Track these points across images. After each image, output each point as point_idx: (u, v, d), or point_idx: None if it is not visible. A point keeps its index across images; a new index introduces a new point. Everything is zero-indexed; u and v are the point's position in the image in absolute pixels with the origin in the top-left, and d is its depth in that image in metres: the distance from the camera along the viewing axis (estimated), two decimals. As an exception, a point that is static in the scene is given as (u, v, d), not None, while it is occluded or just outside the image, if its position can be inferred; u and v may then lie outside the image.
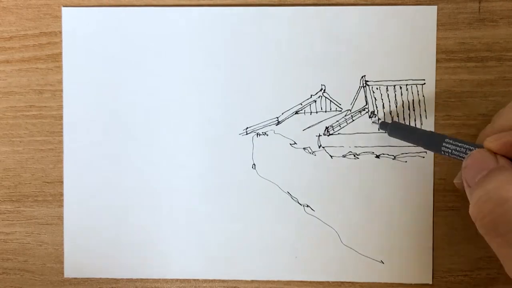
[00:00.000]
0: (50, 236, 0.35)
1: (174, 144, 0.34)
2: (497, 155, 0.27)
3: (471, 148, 0.28)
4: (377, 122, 0.33)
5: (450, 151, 0.28)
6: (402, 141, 0.33)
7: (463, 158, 0.28)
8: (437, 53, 0.33)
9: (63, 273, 0.35)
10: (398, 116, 0.34)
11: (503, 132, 0.27)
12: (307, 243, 0.34)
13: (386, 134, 0.33)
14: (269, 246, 0.34)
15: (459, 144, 0.28)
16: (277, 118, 0.34)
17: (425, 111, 0.34)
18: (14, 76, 0.35)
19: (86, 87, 0.34)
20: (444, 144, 0.29)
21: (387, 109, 0.34)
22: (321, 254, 0.34)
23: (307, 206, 0.34)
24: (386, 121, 0.33)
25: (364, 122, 0.34)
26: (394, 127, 0.32)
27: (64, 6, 0.34)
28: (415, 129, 0.32)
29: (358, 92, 0.34)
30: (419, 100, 0.34)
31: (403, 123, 0.33)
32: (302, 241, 0.34)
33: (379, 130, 0.33)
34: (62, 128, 0.35)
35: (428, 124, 0.33)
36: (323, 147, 0.34)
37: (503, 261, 0.25)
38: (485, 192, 0.26)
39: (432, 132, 0.30)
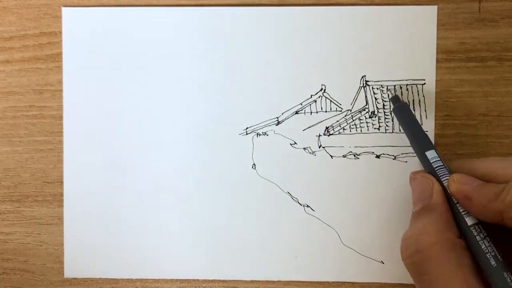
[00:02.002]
0: (50, 236, 0.35)
1: (174, 144, 0.34)
2: (435, 190, 0.27)
3: (444, 172, 0.28)
4: (392, 93, 0.33)
5: (423, 164, 0.29)
6: (403, 141, 0.33)
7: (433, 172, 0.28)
8: (437, 53, 0.33)
9: (63, 273, 0.35)
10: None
11: (471, 180, 0.26)
12: (307, 243, 0.34)
13: (386, 134, 0.33)
14: (269, 246, 0.34)
15: (431, 166, 0.29)
16: (277, 118, 0.34)
17: (425, 111, 0.33)
18: (14, 76, 0.35)
19: (86, 87, 0.34)
20: (425, 153, 0.29)
21: (387, 109, 0.34)
22: (321, 254, 0.34)
23: (307, 206, 0.34)
24: (399, 99, 0.32)
25: (364, 122, 0.34)
26: (399, 109, 0.32)
27: (64, 6, 0.34)
28: (414, 123, 0.31)
29: (358, 92, 0.34)
30: (419, 100, 0.34)
31: (412, 112, 0.32)
32: (302, 241, 0.34)
33: (389, 99, 0.33)
34: (62, 128, 0.35)
35: (428, 124, 0.33)
36: (323, 147, 0.34)
37: None
38: (410, 233, 0.27)
39: (425, 136, 0.30)
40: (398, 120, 0.32)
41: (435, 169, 0.28)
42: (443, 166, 0.28)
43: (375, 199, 0.34)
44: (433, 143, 0.33)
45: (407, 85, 0.34)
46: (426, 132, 0.31)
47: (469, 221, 0.26)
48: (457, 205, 0.27)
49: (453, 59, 0.33)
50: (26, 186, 0.35)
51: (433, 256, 0.25)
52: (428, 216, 0.27)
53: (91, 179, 0.35)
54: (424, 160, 0.29)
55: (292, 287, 0.34)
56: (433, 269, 0.25)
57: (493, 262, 0.25)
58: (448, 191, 0.27)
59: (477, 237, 0.26)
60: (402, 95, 0.34)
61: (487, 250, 0.25)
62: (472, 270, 0.25)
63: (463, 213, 0.27)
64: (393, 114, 0.34)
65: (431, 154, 0.29)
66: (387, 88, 0.33)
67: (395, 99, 0.32)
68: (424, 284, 0.26)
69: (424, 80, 0.33)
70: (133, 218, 0.35)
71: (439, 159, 0.29)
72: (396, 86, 0.34)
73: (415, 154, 0.33)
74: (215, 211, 0.34)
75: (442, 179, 0.28)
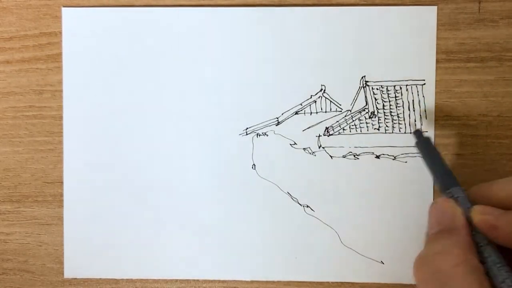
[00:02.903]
0: (50, 236, 0.35)
1: (174, 144, 0.34)
2: (457, 213, 0.27)
3: (467, 206, 0.27)
4: (415, 127, 0.33)
5: (452, 196, 0.28)
6: (403, 141, 0.33)
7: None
8: (437, 53, 0.33)
9: (63, 273, 0.35)
10: (398, 117, 0.34)
11: (494, 210, 0.26)
12: (307, 243, 0.34)
13: (386, 135, 0.33)
14: (269, 246, 0.34)
15: (460, 197, 0.28)
16: (277, 118, 0.34)
17: (425, 111, 0.34)
18: (14, 76, 0.35)
19: (86, 87, 0.34)
20: (450, 190, 0.28)
21: (387, 109, 0.34)
22: (321, 254, 0.34)
23: (307, 206, 0.34)
24: (422, 132, 0.32)
25: (364, 123, 0.34)
26: (422, 143, 0.31)
27: (64, 6, 0.34)
28: (437, 159, 0.30)
29: (358, 92, 0.34)
30: (419, 100, 0.34)
31: (435, 147, 0.31)
32: (302, 241, 0.34)
33: (412, 133, 0.33)
34: (62, 128, 0.35)
35: (428, 124, 0.33)
36: (323, 148, 0.34)
37: None
38: (427, 254, 0.26)
39: (448, 172, 0.29)
40: (421, 154, 0.31)
41: (457, 199, 0.28)
42: (465, 199, 0.28)
43: (375, 199, 0.34)
44: (434, 143, 0.33)
45: (407, 85, 0.34)
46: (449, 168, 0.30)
47: (489, 246, 0.26)
48: (477, 234, 0.26)
49: (453, 60, 0.33)
50: (26, 186, 0.35)
51: (455, 279, 0.24)
52: (449, 238, 0.26)
53: (91, 179, 0.35)
54: (446, 195, 0.29)
55: (292, 287, 0.34)
56: None
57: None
58: (472, 222, 0.27)
59: (498, 264, 0.25)
60: (402, 95, 0.34)
61: (507, 276, 0.25)
62: None
63: (482, 242, 0.26)
64: (394, 113, 0.34)
65: (455, 192, 0.28)
66: (410, 125, 0.33)
67: (418, 133, 0.32)
68: None
69: (424, 80, 0.33)
70: (133, 218, 0.35)
71: (462, 194, 0.28)
72: (396, 86, 0.34)
73: (415, 155, 0.34)
74: (215, 211, 0.34)
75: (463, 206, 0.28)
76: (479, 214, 0.26)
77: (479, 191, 0.28)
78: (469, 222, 0.27)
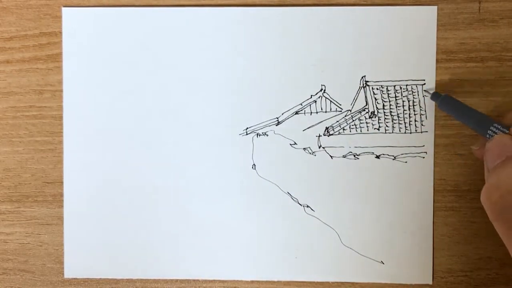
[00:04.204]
0: (50, 236, 0.35)
1: (174, 144, 0.34)
2: None
3: None
4: (429, 92, 0.33)
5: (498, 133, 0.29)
6: (403, 141, 0.33)
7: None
8: (437, 53, 0.33)
9: (63, 273, 0.35)
10: (398, 117, 0.34)
11: None
12: (307, 243, 0.34)
13: (386, 135, 0.33)
14: (269, 246, 0.34)
15: (505, 130, 0.29)
16: (277, 118, 0.34)
17: (425, 111, 0.34)
18: (14, 76, 0.35)
19: (86, 87, 0.34)
20: (491, 128, 0.29)
21: (387, 109, 0.34)
22: (321, 254, 0.34)
23: (307, 206, 0.34)
24: (439, 94, 0.32)
25: (364, 123, 0.34)
26: (445, 101, 0.32)
27: (64, 6, 0.34)
28: (466, 108, 0.31)
29: (358, 92, 0.34)
30: (419, 100, 0.34)
31: (455, 98, 0.32)
32: (302, 241, 0.34)
33: (431, 99, 0.33)
34: (62, 128, 0.35)
35: (428, 124, 0.33)
36: (323, 148, 0.34)
37: (508, 244, 0.26)
38: (497, 179, 0.27)
39: (481, 114, 0.30)
40: (447, 111, 0.32)
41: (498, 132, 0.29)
42: (505, 127, 0.29)
43: (375, 199, 0.34)
44: (433, 143, 0.33)
45: (407, 85, 0.34)
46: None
47: None
48: None
49: (453, 59, 0.33)
50: (26, 186, 0.35)
51: None
52: None
53: (91, 179, 0.35)
54: (491, 134, 0.30)
55: (292, 287, 0.34)
56: None
57: None
58: None
59: None
60: (402, 95, 0.34)
61: None
62: None
63: None
64: (394, 112, 0.34)
65: (497, 126, 0.29)
66: (423, 91, 0.33)
67: (435, 96, 0.32)
68: None
69: (424, 80, 0.33)
70: (133, 218, 0.35)
71: (504, 127, 0.29)
72: (396, 86, 0.34)
73: (414, 155, 0.34)
74: (215, 211, 0.34)
75: None
76: None
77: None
78: None
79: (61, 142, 0.35)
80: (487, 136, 0.30)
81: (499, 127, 0.29)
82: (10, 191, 0.35)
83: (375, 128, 0.34)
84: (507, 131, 0.29)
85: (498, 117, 0.33)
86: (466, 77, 0.33)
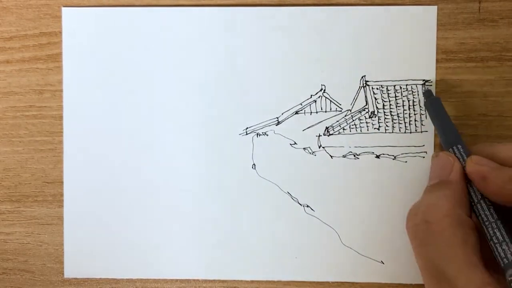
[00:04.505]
0: (50, 236, 0.35)
1: (174, 144, 0.34)
2: (455, 168, 0.28)
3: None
4: (424, 89, 0.33)
5: (456, 155, 0.29)
6: (403, 141, 0.33)
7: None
8: (437, 53, 0.33)
9: (63, 273, 0.35)
10: (398, 116, 0.34)
11: (489, 162, 0.27)
12: (307, 243, 0.34)
13: (386, 134, 0.33)
14: (269, 246, 0.34)
15: (463, 155, 0.29)
16: (277, 118, 0.34)
17: (425, 111, 0.33)
18: (14, 76, 0.35)
19: (86, 87, 0.34)
20: (453, 147, 0.29)
21: (387, 109, 0.34)
22: (321, 254, 0.34)
23: (307, 206, 0.34)
24: (432, 94, 0.33)
25: (364, 122, 0.34)
26: (432, 103, 0.32)
27: (64, 6, 0.34)
28: (446, 119, 0.31)
29: (358, 92, 0.34)
30: (419, 100, 0.34)
31: (443, 105, 0.32)
32: (302, 241, 0.34)
33: (423, 94, 0.33)
34: (62, 128, 0.35)
35: (428, 124, 0.33)
36: (323, 147, 0.34)
37: (419, 267, 0.27)
38: (420, 204, 0.28)
39: (455, 131, 0.30)
40: (429, 112, 0.32)
41: (459, 153, 0.29)
42: (466, 152, 0.29)
43: (375, 199, 0.34)
44: (433, 143, 0.33)
45: (407, 85, 0.34)
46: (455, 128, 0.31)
47: (482, 202, 0.27)
48: (473, 186, 0.27)
49: (453, 59, 0.33)
50: (26, 186, 0.35)
51: (440, 229, 0.26)
52: (442, 190, 0.27)
53: (91, 179, 0.35)
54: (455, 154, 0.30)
55: (292, 287, 0.34)
56: (438, 241, 0.25)
57: (500, 238, 0.25)
58: (466, 171, 0.28)
59: (489, 217, 0.26)
60: (402, 95, 0.34)
61: (496, 226, 0.25)
62: (476, 251, 0.25)
63: (477, 194, 0.27)
64: (394, 112, 0.34)
65: (457, 149, 0.29)
66: (422, 90, 0.33)
67: (428, 94, 0.32)
68: (425, 254, 0.26)
69: (424, 80, 0.33)
70: (133, 218, 0.35)
71: (465, 151, 0.29)
72: (396, 86, 0.34)
73: (414, 155, 0.34)
74: (215, 211, 0.34)
75: (462, 162, 0.29)
76: (473, 163, 0.27)
77: (482, 149, 0.29)
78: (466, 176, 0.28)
79: (61, 142, 0.35)
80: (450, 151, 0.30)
81: (461, 149, 0.29)
82: (10, 191, 0.35)
83: (375, 128, 0.34)
84: (465, 157, 0.29)
85: (498, 117, 0.33)
86: (466, 77, 0.33)
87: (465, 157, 0.29)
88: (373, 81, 0.34)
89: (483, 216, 0.26)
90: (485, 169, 0.26)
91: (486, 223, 0.26)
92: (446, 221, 0.26)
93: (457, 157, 0.29)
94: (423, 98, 0.33)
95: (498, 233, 0.25)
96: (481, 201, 0.27)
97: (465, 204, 0.27)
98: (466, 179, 0.28)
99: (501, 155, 0.27)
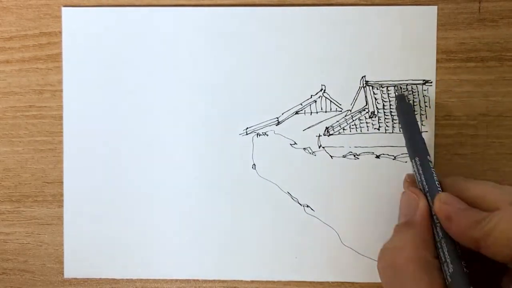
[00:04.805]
0: (50, 236, 0.35)
1: (174, 144, 0.34)
2: (420, 207, 0.27)
3: (424, 184, 0.28)
4: (399, 91, 0.33)
5: (414, 170, 0.29)
6: (402, 141, 0.33)
7: (422, 182, 0.29)
8: (437, 53, 0.33)
9: (63, 273, 0.35)
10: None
11: (457, 202, 0.26)
12: (307, 243, 0.34)
13: (386, 134, 0.33)
14: (269, 246, 0.34)
15: (420, 174, 0.29)
16: (277, 118, 0.34)
17: (425, 111, 0.33)
18: (14, 76, 0.35)
19: (86, 87, 0.34)
20: (414, 159, 0.29)
21: (387, 109, 0.34)
22: (321, 254, 0.34)
23: (307, 206, 0.34)
24: (404, 99, 0.32)
25: (364, 122, 0.34)
26: (403, 107, 0.32)
27: (64, 6, 0.34)
28: (414, 125, 0.31)
29: (358, 92, 0.34)
30: (419, 100, 0.34)
31: (413, 113, 0.32)
32: (302, 241, 0.34)
33: (395, 96, 0.33)
34: (62, 128, 0.35)
35: (428, 124, 0.33)
36: (323, 147, 0.34)
37: None
38: (387, 245, 0.28)
39: (421, 142, 0.30)
40: (399, 119, 0.32)
41: (423, 177, 0.29)
42: (433, 176, 0.28)
43: (375, 199, 0.34)
44: (433, 143, 0.33)
45: (407, 85, 0.34)
46: (423, 136, 0.31)
47: (447, 241, 0.26)
48: (438, 225, 0.27)
49: (453, 59, 0.33)
50: (26, 186, 0.35)
51: (406, 273, 0.25)
52: (408, 232, 0.27)
53: (91, 179, 0.35)
54: (414, 165, 0.30)
55: (292, 287, 0.34)
56: (404, 285, 0.25)
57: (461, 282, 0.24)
58: (433, 209, 0.27)
59: (452, 257, 0.25)
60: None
61: (453, 271, 0.25)
62: None
63: (440, 235, 0.26)
64: (394, 113, 0.34)
65: (420, 161, 0.29)
66: (395, 87, 0.33)
67: (400, 98, 0.32)
68: None
69: (424, 80, 0.33)
70: (133, 218, 0.35)
71: (430, 167, 0.29)
72: (396, 86, 0.34)
73: (415, 154, 0.34)
74: (215, 211, 0.34)
75: (428, 191, 0.28)
76: (439, 202, 0.27)
77: (455, 182, 0.28)
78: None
79: (61, 142, 0.35)
80: (412, 162, 0.30)
81: (418, 162, 0.29)
82: (10, 191, 0.35)
83: (375, 128, 0.34)
84: (431, 166, 0.29)
85: (498, 117, 0.33)
86: (466, 77, 0.33)
87: (421, 171, 0.29)
88: (373, 81, 0.34)
89: (444, 254, 0.26)
90: (451, 209, 0.26)
91: (447, 261, 0.25)
92: (411, 266, 0.25)
93: (415, 170, 0.29)
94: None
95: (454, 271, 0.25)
96: (444, 239, 0.26)
97: (430, 244, 0.27)
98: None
99: (470, 193, 0.27)
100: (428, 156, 0.29)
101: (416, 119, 0.31)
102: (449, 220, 0.26)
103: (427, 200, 0.28)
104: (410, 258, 0.26)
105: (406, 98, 0.33)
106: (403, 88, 0.34)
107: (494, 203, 0.25)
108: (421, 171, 0.29)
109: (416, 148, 0.30)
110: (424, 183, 0.28)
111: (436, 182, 0.28)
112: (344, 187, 0.34)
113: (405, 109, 0.32)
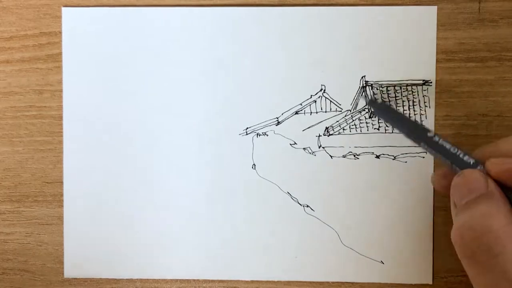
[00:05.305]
0: (50, 236, 0.35)
1: (174, 144, 0.34)
2: (488, 179, 0.26)
3: (458, 154, 0.27)
4: (366, 98, 0.33)
5: (433, 150, 0.28)
6: (403, 141, 0.33)
7: (446, 160, 0.27)
8: (437, 53, 0.33)
9: (63, 273, 0.35)
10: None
11: (509, 158, 0.26)
12: (307, 243, 0.34)
13: (386, 134, 0.33)
14: (269, 246, 0.34)
15: (447, 146, 0.27)
16: (277, 118, 0.34)
17: (425, 111, 0.34)
18: (14, 76, 0.35)
19: (86, 87, 0.34)
20: (426, 139, 0.28)
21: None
22: (321, 254, 0.34)
23: (307, 206, 0.34)
24: (376, 99, 0.32)
25: (364, 122, 0.34)
26: (380, 108, 0.32)
27: (64, 6, 0.34)
28: (401, 116, 0.31)
29: (358, 92, 0.34)
30: (419, 100, 0.34)
31: (392, 107, 0.32)
32: (302, 241, 0.34)
33: (366, 105, 0.33)
34: (62, 128, 0.35)
35: (428, 124, 0.33)
36: (323, 147, 0.34)
37: (474, 286, 0.25)
38: (470, 218, 0.26)
39: (417, 123, 0.30)
40: (383, 118, 0.32)
41: (456, 153, 0.27)
42: (455, 148, 0.27)
43: (375, 199, 0.34)
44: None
45: (407, 85, 0.34)
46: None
47: None
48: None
49: (453, 59, 0.33)
50: (26, 186, 0.35)
51: (508, 235, 0.24)
52: (488, 202, 0.26)
53: (91, 179, 0.35)
54: (432, 145, 0.28)
55: (292, 287, 0.34)
56: (510, 247, 0.24)
57: None
58: (492, 176, 0.26)
59: None
60: (402, 95, 0.34)
61: None
62: None
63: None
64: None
65: (437, 137, 0.28)
66: (362, 93, 0.33)
67: (373, 102, 0.32)
68: (498, 265, 0.24)
69: (424, 80, 0.33)
70: (133, 218, 0.35)
71: (438, 141, 0.28)
72: (396, 86, 0.34)
73: (414, 155, 0.34)
74: (215, 211, 0.34)
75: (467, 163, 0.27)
76: (496, 165, 0.26)
77: (485, 150, 0.27)
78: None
79: (61, 142, 0.35)
80: (424, 146, 0.28)
81: (437, 139, 0.28)
82: (10, 191, 0.35)
83: (375, 128, 0.34)
84: (439, 140, 0.28)
85: (498, 117, 0.33)
86: (466, 77, 0.33)
87: (434, 152, 0.28)
88: (373, 81, 0.34)
89: None
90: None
91: None
92: (510, 228, 0.24)
93: (434, 151, 0.28)
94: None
95: None
96: None
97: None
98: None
99: (504, 150, 0.26)
100: (429, 133, 0.28)
101: (396, 110, 0.31)
102: None
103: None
104: (507, 223, 0.24)
105: (377, 99, 0.32)
106: (403, 88, 0.34)
107: None
108: (434, 152, 0.28)
109: (420, 132, 0.29)
110: (458, 153, 0.27)
111: (465, 156, 0.27)
112: (344, 187, 0.34)
113: (383, 107, 0.31)
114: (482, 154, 0.27)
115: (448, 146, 0.27)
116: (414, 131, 0.29)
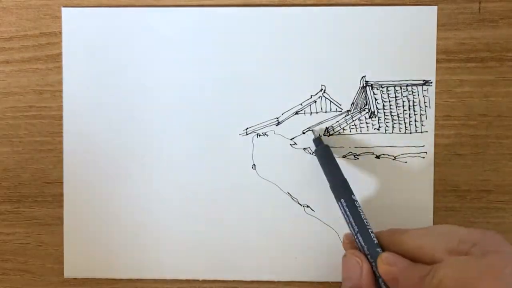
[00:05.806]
0: (50, 237, 0.35)
1: (174, 144, 0.34)
2: (364, 272, 0.27)
3: (355, 229, 0.29)
4: (316, 135, 0.33)
5: (347, 212, 0.30)
6: (403, 141, 0.33)
7: (354, 227, 0.29)
8: (437, 53, 0.33)
9: (63, 273, 0.35)
10: (398, 117, 0.34)
11: (400, 261, 0.26)
12: (307, 243, 0.34)
13: (386, 135, 0.34)
14: (269, 247, 0.34)
15: (348, 215, 0.30)
16: (277, 118, 0.34)
17: (425, 111, 0.34)
18: (14, 76, 0.35)
19: (86, 87, 0.34)
20: (340, 201, 0.30)
21: (387, 109, 0.34)
22: (321, 254, 0.34)
23: (307, 206, 0.34)
24: (322, 142, 0.33)
25: (364, 123, 0.34)
26: (320, 151, 0.32)
27: (64, 6, 0.34)
28: (332, 170, 0.32)
29: (358, 92, 0.34)
30: (419, 101, 0.34)
31: (331, 155, 0.32)
32: (302, 241, 0.34)
33: (313, 140, 0.33)
34: (62, 128, 0.35)
35: (428, 124, 0.33)
36: (323, 147, 0.34)
37: None
38: None
39: (339, 182, 0.31)
40: (320, 161, 0.32)
41: (351, 219, 0.30)
42: (362, 218, 0.29)
43: (375, 199, 0.34)
44: (433, 143, 0.33)
45: (407, 85, 0.34)
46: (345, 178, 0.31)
47: None
48: (383, 284, 0.27)
49: (453, 60, 0.33)
50: (26, 186, 0.35)
51: None
52: None
53: (91, 179, 0.35)
54: (341, 206, 0.30)
55: (292, 287, 0.34)
56: None
57: None
58: (376, 271, 0.28)
59: None
60: (402, 95, 0.34)
61: None
62: None
63: None
64: (394, 113, 0.34)
65: (345, 202, 0.30)
66: (313, 131, 0.34)
67: (317, 141, 0.33)
68: None
69: (424, 80, 0.33)
70: (133, 218, 0.35)
71: (356, 206, 0.30)
72: (396, 86, 0.34)
73: (414, 155, 0.34)
74: (215, 211, 0.34)
75: (366, 246, 0.29)
76: (384, 264, 0.27)
77: (391, 236, 0.29)
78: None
79: (61, 142, 0.35)
80: (338, 202, 0.30)
81: (344, 203, 0.30)
82: (10, 191, 0.35)
83: (375, 128, 0.34)
84: (357, 206, 0.29)
85: (498, 117, 0.33)
86: (466, 77, 0.33)
87: (348, 212, 0.29)
88: (373, 81, 0.34)
89: None
90: (395, 270, 0.26)
91: None
92: None
93: (343, 212, 0.30)
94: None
95: None
96: None
97: None
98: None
99: (408, 246, 0.27)
100: (353, 196, 0.30)
101: (335, 160, 0.32)
102: (395, 281, 0.26)
103: (367, 259, 0.28)
104: None
105: (322, 141, 0.33)
106: (403, 88, 0.34)
107: (432, 254, 0.26)
108: (348, 213, 0.30)
109: (340, 190, 0.31)
110: (354, 225, 0.29)
111: (370, 231, 0.29)
112: (344, 187, 0.34)
113: (323, 152, 0.32)
114: (388, 238, 0.29)
115: (362, 215, 0.30)
116: (341, 185, 0.31)
